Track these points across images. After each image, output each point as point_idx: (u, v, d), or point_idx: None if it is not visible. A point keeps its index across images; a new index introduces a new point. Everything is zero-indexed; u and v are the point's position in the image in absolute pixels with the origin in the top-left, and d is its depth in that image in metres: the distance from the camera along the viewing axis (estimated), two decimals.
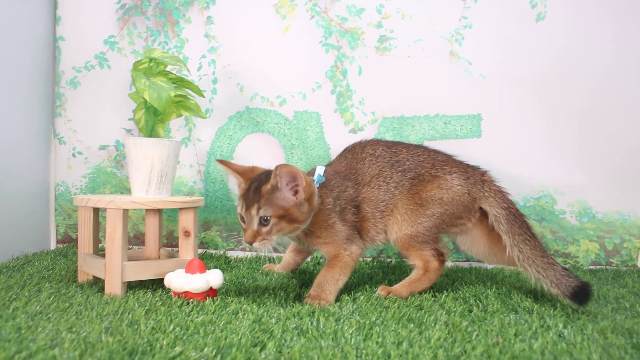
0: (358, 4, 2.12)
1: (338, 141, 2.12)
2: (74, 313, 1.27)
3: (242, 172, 1.51)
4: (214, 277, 1.45)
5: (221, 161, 1.54)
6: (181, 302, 1.38)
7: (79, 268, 1.68)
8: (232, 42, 2.18)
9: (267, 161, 1.92)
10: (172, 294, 1.45)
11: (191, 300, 1.40)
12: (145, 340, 1.06)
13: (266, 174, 1.45)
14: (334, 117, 2.15)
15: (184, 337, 1.10)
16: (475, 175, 1.63)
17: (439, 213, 1.58)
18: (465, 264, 2.11)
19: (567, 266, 1.95)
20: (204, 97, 1.84)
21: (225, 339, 1.09)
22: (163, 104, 1.60)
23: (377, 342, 1.10)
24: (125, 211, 1.53)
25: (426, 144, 2.01)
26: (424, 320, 1.28)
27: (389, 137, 2.12)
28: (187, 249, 1.67)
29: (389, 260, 2.14)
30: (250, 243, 1.39)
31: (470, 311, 1.40)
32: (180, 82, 1.75)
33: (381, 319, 1.28)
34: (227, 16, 2.18)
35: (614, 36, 2.03)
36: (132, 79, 1.62)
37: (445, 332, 1.18)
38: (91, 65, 2.23)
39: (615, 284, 1.78)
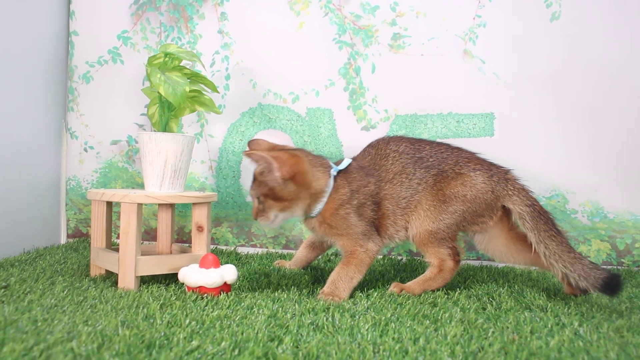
0: (372, 2, 2.12)
1: (350, 138, 2.12)
2: (88, 306, 1.27)
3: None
4: (229, 272, 1.45)
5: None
6: (195, 296, 1.38)
7: (91, 262, 1.68)
8: (245, 38, 2.19)
9: None
10: (186, 289, 1.45)
11: (205, 295, 1.41)
12: (162, 334, 1.06)
13: None
14: (347, 115, 2.15)
15: (200, 332, 1.10)
16: (499, 173, 1.62)
17: (461, 210, 1.58)
18: (476, 262, 2.10)
19: None
20: (218, 92, 1.85)
21: (242, 333, 1.09)
22: (178, 98, 1.60)
23: (393, 338, 1.10)
24: (140, 205, 1.53)
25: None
26: (439, 317, 1.28)
27: (401, 135, 2.11)
28: (200, 244, 1.67)
29: (399, 257, 2.13)
30: (255, 218, 1.54)
31: (484, 309, 1.40)
32: (194, 77, 1.75)
33: (396, 316, 1.28)
34: (241, 12, 2.18)
35: (628, 36, 2.02)
36: (147, 73, 1.62)
37: (461, 329, 1.18)
38: (104, 60, 2.24)
39: (628, 284, 1.77)
